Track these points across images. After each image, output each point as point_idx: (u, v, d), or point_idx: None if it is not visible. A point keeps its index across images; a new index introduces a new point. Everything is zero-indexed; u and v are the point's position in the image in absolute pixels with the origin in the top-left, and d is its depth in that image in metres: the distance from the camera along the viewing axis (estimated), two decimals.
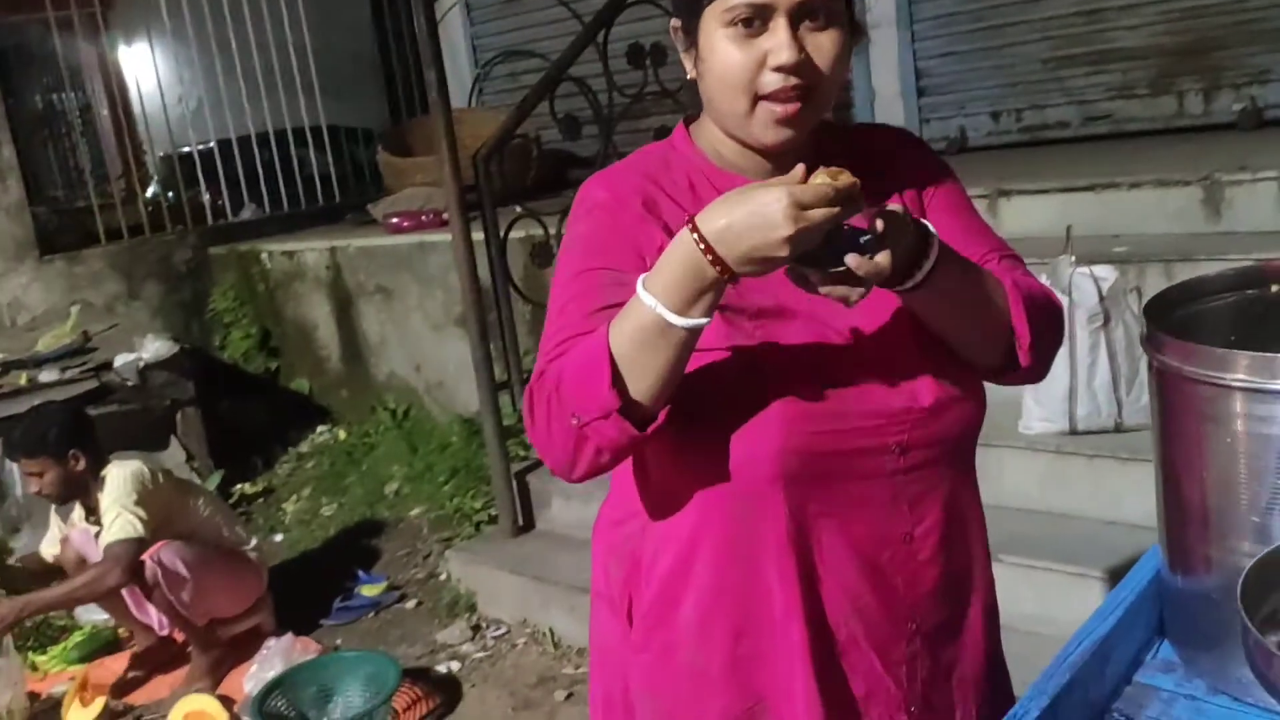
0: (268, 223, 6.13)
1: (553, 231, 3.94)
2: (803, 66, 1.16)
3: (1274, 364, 1.05)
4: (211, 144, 6.08)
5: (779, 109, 1.18)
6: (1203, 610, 1.17)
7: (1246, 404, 1.07)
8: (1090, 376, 2.98)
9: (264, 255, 5.68)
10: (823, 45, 1.18)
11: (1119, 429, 3.01)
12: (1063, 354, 2.97)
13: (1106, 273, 3.00)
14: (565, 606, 3.46)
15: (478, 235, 3.84)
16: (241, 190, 6.21)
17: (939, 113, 4.89)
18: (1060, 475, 3.03)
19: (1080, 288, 2.97)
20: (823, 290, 1.09)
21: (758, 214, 1.03)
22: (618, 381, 1.11)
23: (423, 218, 5.08)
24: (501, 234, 3.95)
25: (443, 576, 3.99)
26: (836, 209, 1.03)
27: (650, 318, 1.09)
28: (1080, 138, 4.55)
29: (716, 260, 1.05)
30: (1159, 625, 1.29)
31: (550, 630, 3.50)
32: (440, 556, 4.10)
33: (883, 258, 1.07)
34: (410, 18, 4.26)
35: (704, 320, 1.09)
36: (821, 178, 1.05)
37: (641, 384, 1.12)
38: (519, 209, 4.04)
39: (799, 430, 1.19)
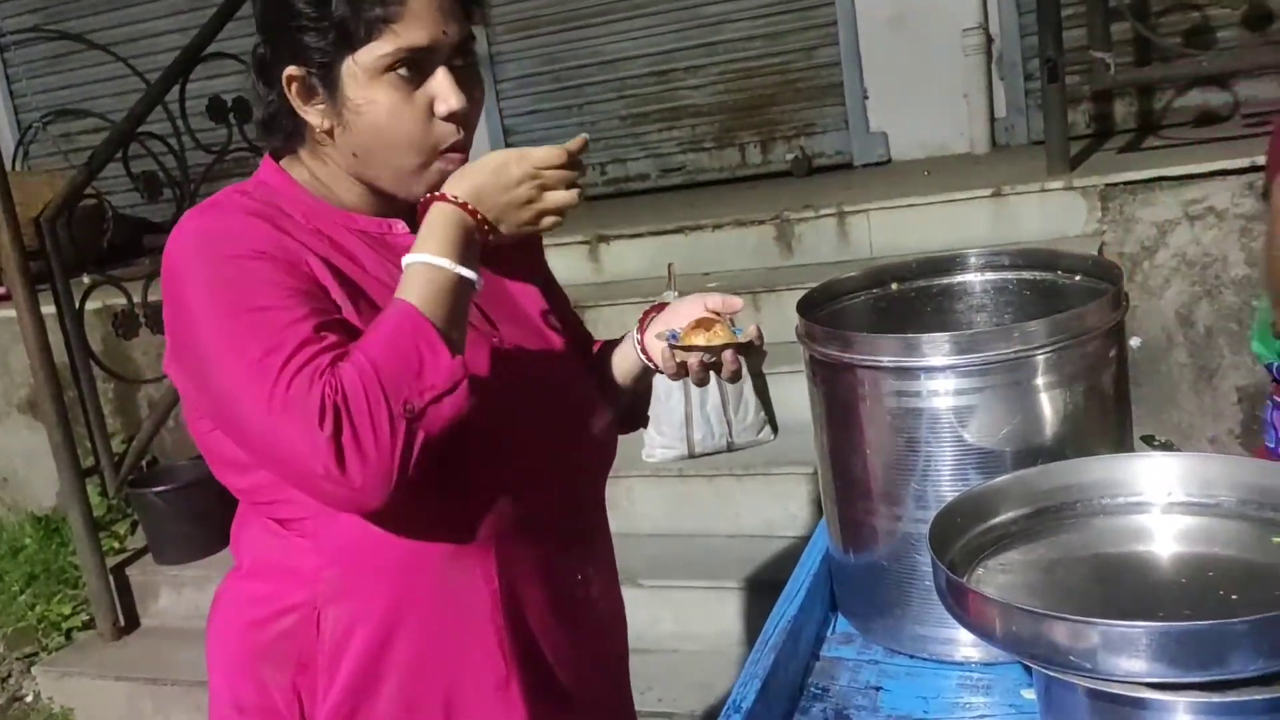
0: None
1: (137, 299, 3.60)
2: (467, 114, 1.13)
3: (917, 344, 1.17)
4: None
5: (448, 166, 1.14)
6: (875, 580, 1.27)
7: (897, 382, 1.19)
8: (703, 401, 3.14)
9: None
10: (472, 89, 1.15)
11: (731, 448, 3.21)
12: (678, 383, 3.16)
13: None
14: (189, 706, 3.12)
15: (48, 309, 3.42)
16: None
17: None
18: (685, 498, 3.19)
19: None
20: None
21: (500, 174, 1.07)
22: (454, 351, 1.05)
23: None
24: (76, 304, 3.55)
25: (29, 698, 3.46)
26: (575, 172, 1.10)
27: (443, 277, 1.06)
28: (660, 188, 4.88)
29: (475, 212, 1.08)
30: (832, 602, 1.38)
31: None
32: (25, 676, 3.55)
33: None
34: None
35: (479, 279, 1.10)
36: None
37: (460, 350, 1.07)
38: (91, 278, 3.65)
39: (503, 482, 1.16)
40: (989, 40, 4.31)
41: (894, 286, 1.44)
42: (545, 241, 3.89)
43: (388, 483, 1.00)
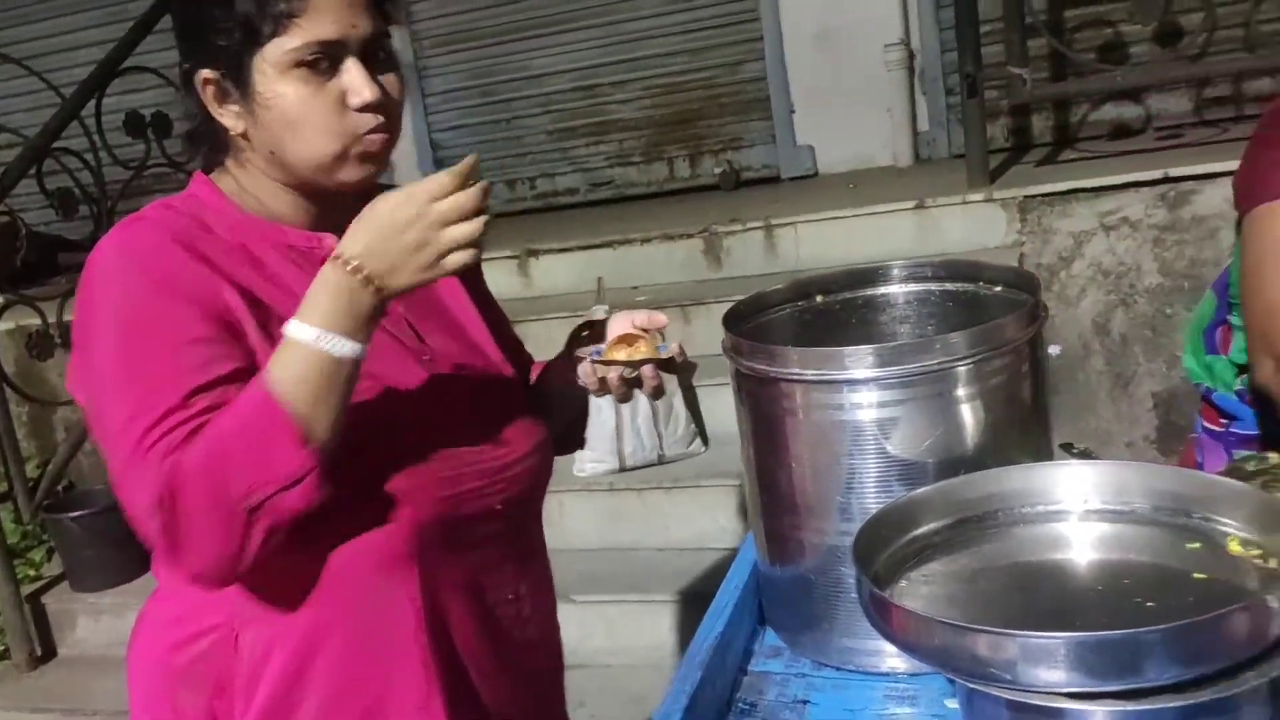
0: None
1: (52, 319, 3.50)
2: (383, 104, 1.12)
3: (840, 357, 1.18)
4: None
5: (370, 146, 1.12)
6: (802, 593, 1.27)
7: (821, 395, 1.19)
8: (633, 415, 3.18)
9: None
10: (390, 83, 1.15)
11: (661, 461, 3.24)
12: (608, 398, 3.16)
13: None
14: None
15: None
16: None
17: None
18: (616, 512, 3.19)
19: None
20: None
21: (388, 221, 1.01)
22: (305, 438, 1.00)
23: None
24: None
25: None
26: (473, 198, 1.03)
27: (314, 356, 1.01)
28: (589, 202, 4.88)
29: (361, 271, 1.02)
30: (760, 616, 1.38)
31: None
32: None
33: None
34: None
35: (364, 346, 1.04)
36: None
37: (324, 433, 1.02)
38: (4, 298, 3.55)
39: (429, 498, 1.14)
40: (911, 56, 4.39)
41: (819, 299, 1.44)
42: None
43: (222, 572, 1.03)
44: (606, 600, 2.93)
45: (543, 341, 3.85)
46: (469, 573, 1.20)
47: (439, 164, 4.98)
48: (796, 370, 1.20)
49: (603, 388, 1.28)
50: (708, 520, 3.08)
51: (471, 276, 1.36)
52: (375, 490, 1.10)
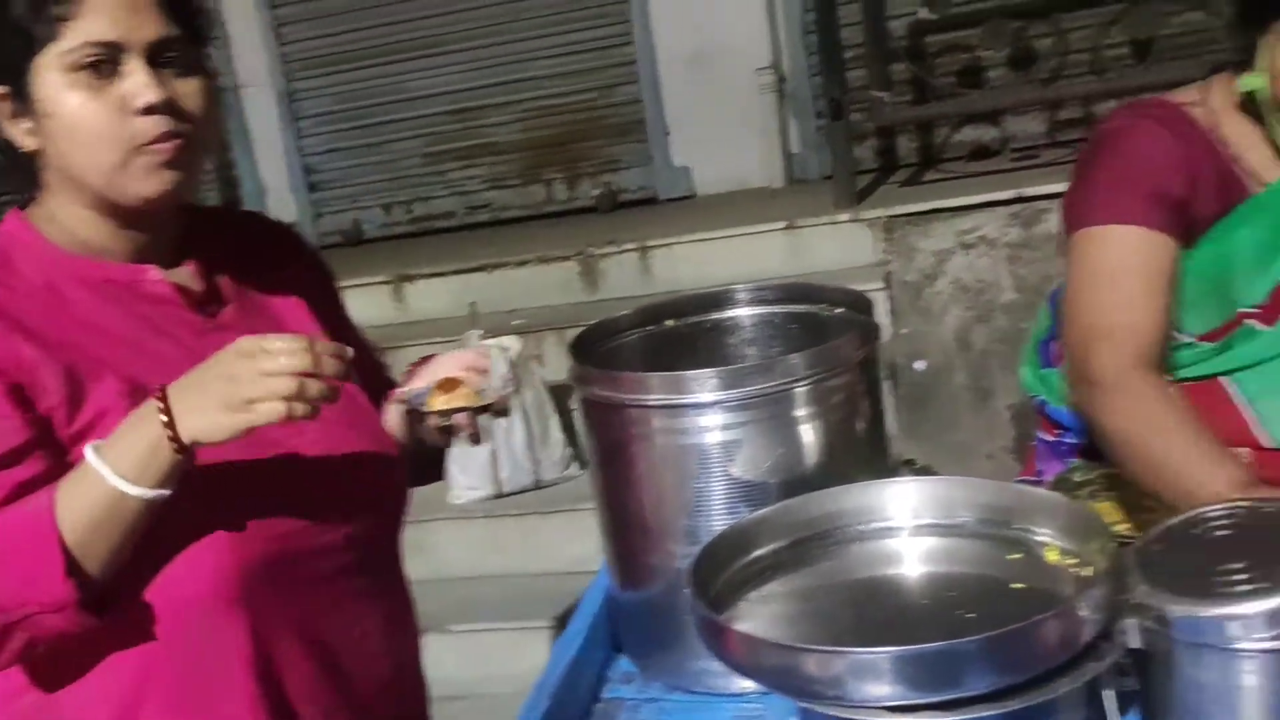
0: None
1: None
2: (173, 109, 1.07)
3: (682, 381, 1.19)
4: None
5: (159, 153, 1.06)
6: (652, 617, 1.28)
7: (666, 419, 1.20)
8: (509, 440, 3.16)
9: None
10: (189, 91, 1.09)
11: (539, 485, 3.23)
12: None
13: (511, 342, 3.21)
14: None
15: None
16: None
17: (331, 206, 4.93)
18: (493, 538, 3.17)
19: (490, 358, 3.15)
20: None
21: (215, 362, 0.99)
22: (73, 569, 0.96)
23: None
24: None
25: None
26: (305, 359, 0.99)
27: (106, 492, 0.97)
28: (466, 226, 4.84)
29: (168, 411, 0.98)
30: (614, 641, 1.38)
31: None
32: None
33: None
34: None
35: (166, 491, 1.00)
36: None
37: (96, 569, 0.98)
38: None
39: (254, 537, 1.10)
40: (781, 79, 4.48)
41: (668, 323, 1.46)
42: (347, 283, 3.79)
43: None
44: (484, 629, 2.91)
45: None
46: (306, 611, 1.17)
47: (312, 188, 4.90)
48: (639, 395, 1.21)
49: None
50: (587, 543, 3.04)
51: (323, 303, 1.33)
52: (197, 532, 1.06)
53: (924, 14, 3.56)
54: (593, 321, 1.44)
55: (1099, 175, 1.44)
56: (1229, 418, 1.39)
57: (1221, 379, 1.40)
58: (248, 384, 0.97)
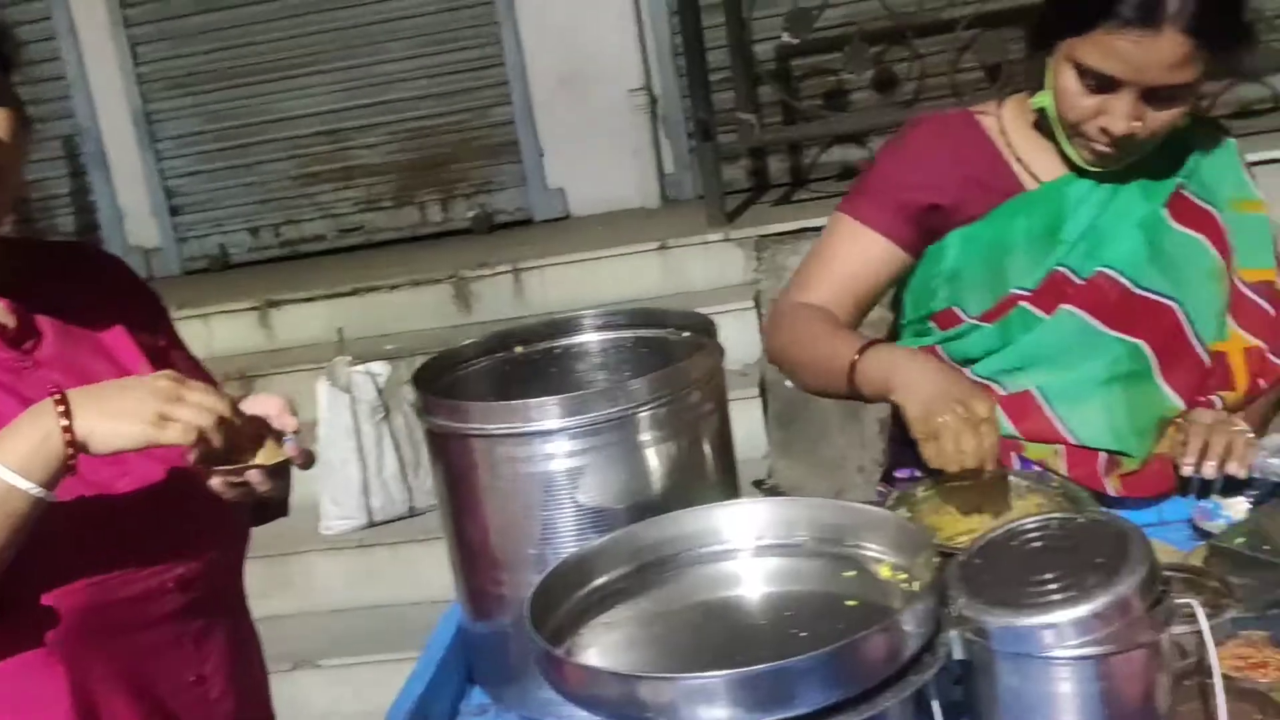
0: None
1: None
2: None
3: (526, 410, 1.19)
4: None
5: None
6: (504, 647, 1.27)
7: (511, 448, 1.19)
8: (380, 468, 3.11)
9: None
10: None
11: (413, 513, 3.18)
12: (352, 449, 3.08)
13: (381, 369, 3.17)
14: None
15: None
16: None
17: (196, 230, 4.80)
18: (366, 569, 3.10)
19: (359, 385, 3.10)
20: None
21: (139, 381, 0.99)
22: None
23: None
24: None
25: None
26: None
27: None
28: (338, 249, 4.76)
29: (68, 415, 0.97)
30: (469, 673, 1.37)
31: None
32: None
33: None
34: None
35: (50, 494, 0.98)
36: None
37: None
38: None
39: (72, 582, 1.06)
40: (653, 100, 4.52)
41: (518, 350, 1.45)
42: (211, 309, 3.69)
43: None
44: (357, 662, 2.84)
45: (287, 395, 3.72)
46: (133, 660, 1.13)
47: (174, 212, 4.76)
48: (483, 425, 1.20)
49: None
50: None
51: (152, 333, 1.29)
52: (11, 577, 1.01)
53: (787, 38, 3.63)
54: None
55: (868, 172, 1.65)
56: (1040, 422, 1.55)
57: (1031, 390, 1.56)
58: (168, 403, 0.98)
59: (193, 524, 1.19)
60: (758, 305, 3.51)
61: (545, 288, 3.75)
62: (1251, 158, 3.11)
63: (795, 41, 3.66)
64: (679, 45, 4.20)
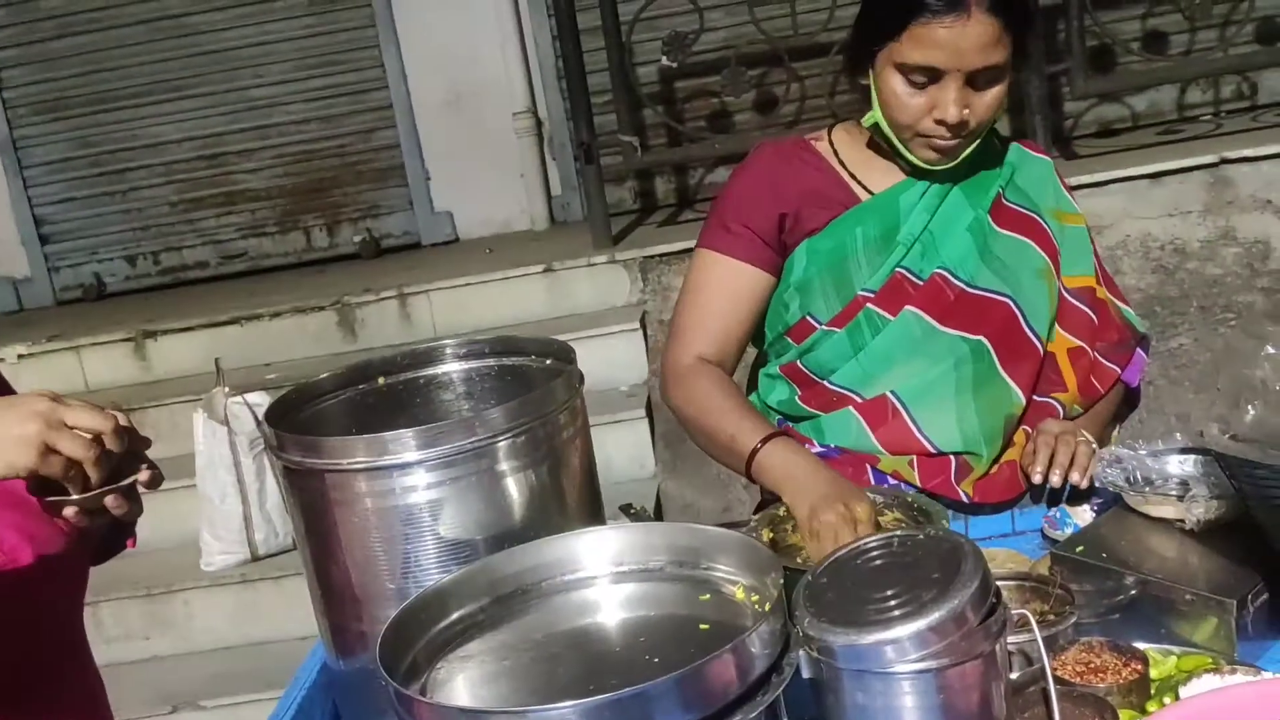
0: None
1: None
2: None
3: (382, 443, 1.17)
4: None
5: None
6: (366, 685, 1.24)
7: (368, 483, 1.18)
8: (261, 501, 3.04)
9: None
10: None
11: (296, 546, 3.11)
12: (232, 483, 3.00)
13: (260, 399, 3.09)
14: None
15: None
16: None
17: (69, 259, 4.65)
18: (251, 604, 3.02)
19: (238, 416, 3.02)
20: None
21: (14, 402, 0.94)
22: None
23: None
24: None
25: None
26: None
27: None
28: (221, 276, 4.66)
29: None
30: (335, 712, 1.34)
31: None
32: None
33: None
34: None
35: None
36: None
37: None
38: None
39: None
40: (539, 123, 4.53)
41: (380, 381, 1.44)
42: (83, 341, 3.57)
43: None
44: (241, 701, 2.76)
45: (165, 429, 3.61)
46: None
47: (44, 240, 4.60)
48: (337, 460, 1.18)
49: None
50: None
51: None
52: None
53: (666, 61, 3.67)
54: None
55: (719, 202, 1.72)
56: (897, 428, 1.62)
57: (886, 394, 1.62)
58: (53, 431, 0.94)
59: (13, 562, 1.14)
60: (644, 326, 3.53)
61: (432, 312, 3.72)
62: (1113, 174, 3.26)
63: (674, 65, 3.69)
64: (562, 67, 4.22)
